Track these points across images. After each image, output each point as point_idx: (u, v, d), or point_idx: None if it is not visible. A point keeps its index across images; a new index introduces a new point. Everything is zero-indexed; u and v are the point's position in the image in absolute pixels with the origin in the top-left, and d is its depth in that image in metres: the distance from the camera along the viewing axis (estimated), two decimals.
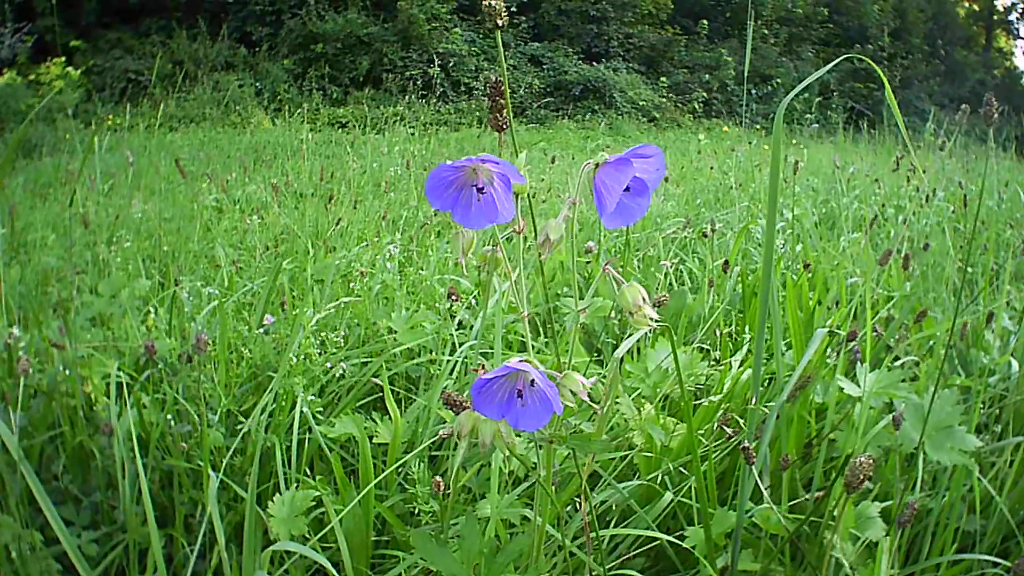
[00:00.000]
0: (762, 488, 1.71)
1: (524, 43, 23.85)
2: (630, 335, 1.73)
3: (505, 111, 1.22)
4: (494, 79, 1.21)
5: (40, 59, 17.96)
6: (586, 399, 1.21)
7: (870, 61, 1.80)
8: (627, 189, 1.17)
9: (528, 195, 1.23)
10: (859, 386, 2.22)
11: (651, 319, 1.21)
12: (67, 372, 2.57)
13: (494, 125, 1.23)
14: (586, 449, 1.31)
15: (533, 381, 1.18)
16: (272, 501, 2.04)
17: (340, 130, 15.49)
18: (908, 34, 29.09)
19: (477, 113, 19.05)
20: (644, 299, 1.21)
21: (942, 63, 29.45)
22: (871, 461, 1.29)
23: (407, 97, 18.00)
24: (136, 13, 22.46)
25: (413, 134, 11.48)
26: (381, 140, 10.80)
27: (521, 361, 1.16)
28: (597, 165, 1.17)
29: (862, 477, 1.28)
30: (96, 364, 2.70)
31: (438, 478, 1.66)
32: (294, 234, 5.00)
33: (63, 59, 17.84)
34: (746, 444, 1.61)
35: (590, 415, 1.36)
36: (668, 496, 2.12)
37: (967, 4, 37.58)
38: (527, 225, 1.23)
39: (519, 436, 1.34)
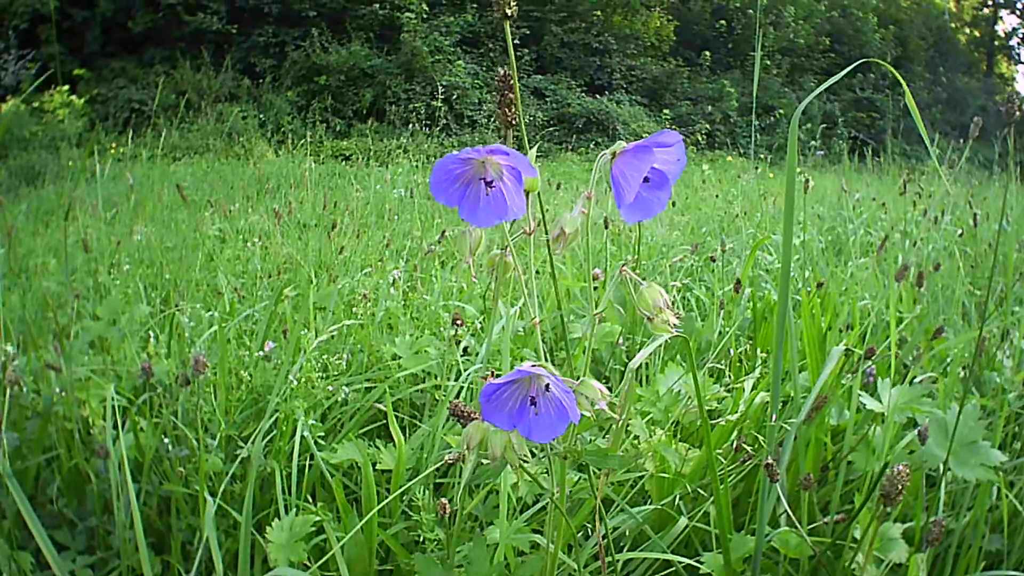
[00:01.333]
0: (786, 507, 1.64)
1: (527, 76, 23.90)
2: (642, 344, 1.66)
3: (515, 107, 1.16)
4: (503, 72, 1.15)
5: (44, 87, 18.03)
6: (604, 408, 1.13)
7: (887, 65, 1.75)
8: (646, 180, 1.11)
9: (539, 193, 1.16)
10: (881, 402, 2.15)
11: (671, 325, 1.14)
12: (63, 394, 2.52)
13: (503, 121, 1.17)
14: (603, 464, 1.24)
15: (548, 386, 1.10)
16: (270, 526, 1.97)
17: (344, 162, 15.49)
18: (910, 62, 29.16)
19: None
20: (664, 301, 1.14)
21: (944, 90, 29.48)
22: (908, 471, 1.22)
23: (410, 129, 18.03)
24: (139, 43, 22.63)
25: (417, 166, 11.47)
26: (384, 171, 10.79)
27: (535, 365, 1.09)
28: (614, 154, 1.11)
29: (900, 487, 1.20)
30: (94, 387, 2.65)
31: (443, 500, 1.58)
32: (297, 263, 4.95)
33: (67, 87, 17.89)
34: (768, 460, 1.54)
35: (606, 430, 1.28)
36: (683, 521, 2.05)
37: (968, 31, 37.78)
38: (539, 226, 1.17)
39: (532, 455, 1.27)
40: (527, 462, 1.18)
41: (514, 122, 1.17)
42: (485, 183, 1.09)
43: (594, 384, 1.14)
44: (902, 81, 1.66)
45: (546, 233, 1.18)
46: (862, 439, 2.21)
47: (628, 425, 2.13)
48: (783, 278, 1.54)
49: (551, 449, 1.26)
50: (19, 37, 19.12)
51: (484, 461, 1.19)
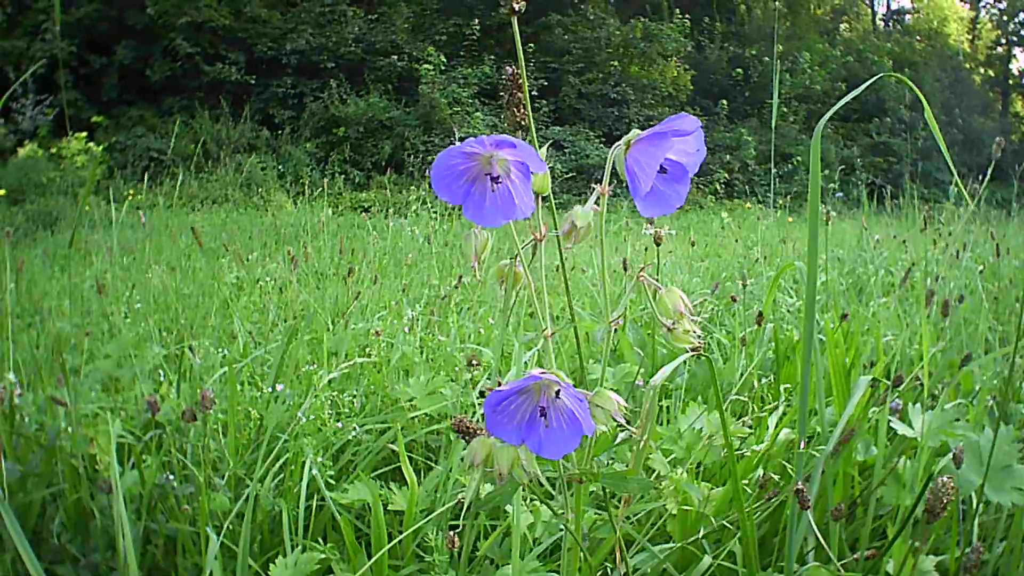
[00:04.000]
0: (817, 535, 1.55)
1: (545, 127, 23.95)
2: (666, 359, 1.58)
3: (524, 107, 1.11)
4: (511, 71, 1.10)
5: (61, 133, 18.16)
6: (622, 421, 1.05)
7: (905, 80, 1.69)
8: (664, 171, 1.04)
9: (551, 195, 1.10)
10: (912, 428, 2.07)
11: (693, 335, 1.06)
12: (70, 429, 2.48)
13: (511, 123, 1.12)
14: (621, 488, 1.16)
15: (559, 393, 1.02)
16: (274, 564, 1.91)
17: (363, 214, 15.49)
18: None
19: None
20: (687, 307, 1.06)
21: (960, 132, 29.35)
22: (953, 484, 1.14)
23: (427, 182, 18.06)
24: (157, 92, 22.88)
25: (435, 216, 11.44)
26: (402, 221, 10.80)
27: (544, 372, 1.01)
28: (628, 144, 1.04)
29: (945, 501, 1.12)
30: (101, 424, 2.60)
31: (452, 533, 1.50)
32: (314, 310, 4.91)
33: (84, 134, 18.00)
34: (799, 486, 1.46)
35: (626, 446, 1.20)
36: (707, 560, 1.96)
37: (982, 70, 37.87)
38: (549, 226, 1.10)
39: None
40: (540, 485, 1.09)
41: (524, 123, 1.12)
42: (491, 179, 1.03)
43: (611, 395, 1.06)
44: (920, 94, 1.60)
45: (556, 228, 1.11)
46: (891, 472, 2.12)
47: (648, 459, 2.05)
48: (809, 289, 1.47)
49: (564, 471, 1.18)
50: (37, 82, 19.32)
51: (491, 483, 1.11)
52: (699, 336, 1.07)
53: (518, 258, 1.12)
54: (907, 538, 1.77)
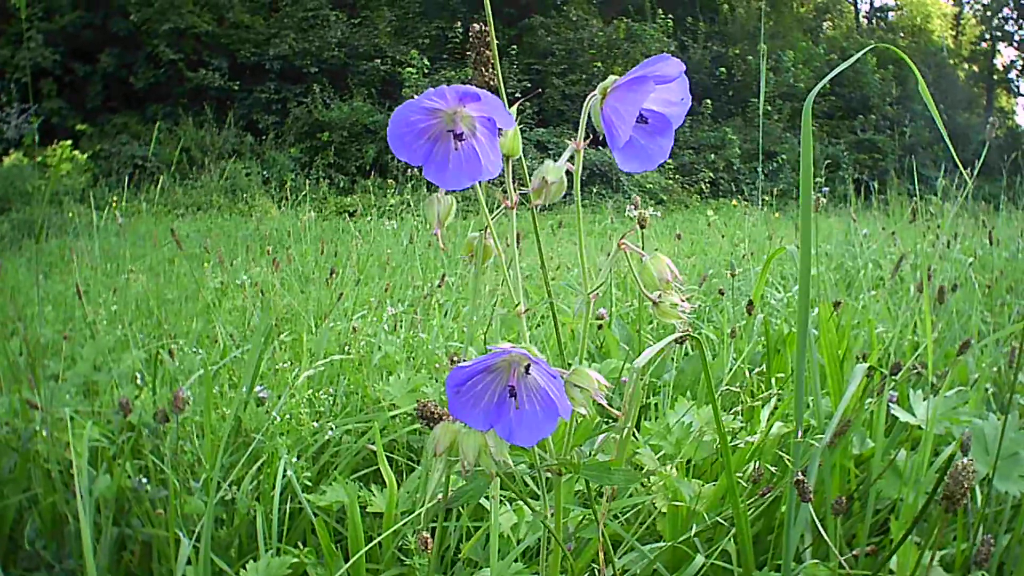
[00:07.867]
0: (819, 528, 1.48)
1: (529, 129, 23.87)
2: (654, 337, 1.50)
3: (492, 67, 1.03)
4: (479, 28, 1.01)
5: (46, 141, 18.07)
6: (602, 402, 0.95)
7: (898, 51, 1.62)
8: (645, 121, 0.95)
9: (521, 158, 1.02)
10: (915, 415, 1.99)
11: (681, 310, 0.97)
12: (44, 433, 2.40)
13: (479, 83, 1.03)
14: (605, 480, 1.07)
15: (529, 369, 0.92)
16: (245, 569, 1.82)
17: (349, 219, 15.42)
18: (910, 101, 29.10)
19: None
20: (674, 276, 0.96)
21: (945, 127, 29.40)
22: (973, 468, 1.06)
23: (411, 185, 17.96)
24: (141, 99, 22.81)
25: (419, 219, 11.37)
26: (386, 223, 10.74)
27: (514, 345, 0.91)
28: (605, 92, 0.96)
29: (965, 485, 1.03)
30: (76, 428, 2.52)
31: (424, 534, 1.41)
32: (297, 313, 4.84)
33: (69, 142, 17.91)
34: (799, 477, 1.38)
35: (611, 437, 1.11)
36: (699, 559, 1.88)
37: (967, 66, 38.02)
38: (533, 203, 1.02)
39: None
40: (512, 479, 1.01)
41: (492, 83, 1.04)
42: (455, 136, 0.93)
43: (590, 373, 0.96)
44: (913, 67, 1.53)
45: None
46: (890, 464, 2.05)
47: (636, 454, 1.97)
48: (804, 257, 1.40)
49: (541, 462, 1.08)
50: (20, 90, 19.23)
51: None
52: (687, 313, 0.98)
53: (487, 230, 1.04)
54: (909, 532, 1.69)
